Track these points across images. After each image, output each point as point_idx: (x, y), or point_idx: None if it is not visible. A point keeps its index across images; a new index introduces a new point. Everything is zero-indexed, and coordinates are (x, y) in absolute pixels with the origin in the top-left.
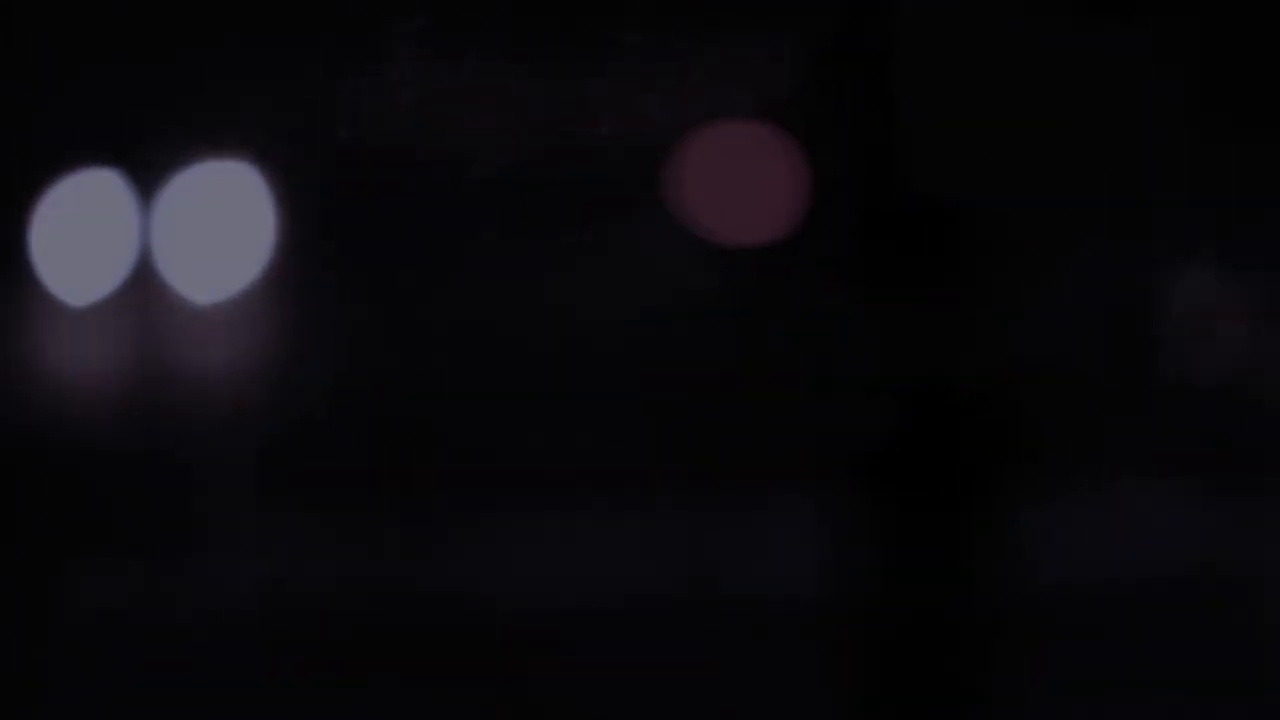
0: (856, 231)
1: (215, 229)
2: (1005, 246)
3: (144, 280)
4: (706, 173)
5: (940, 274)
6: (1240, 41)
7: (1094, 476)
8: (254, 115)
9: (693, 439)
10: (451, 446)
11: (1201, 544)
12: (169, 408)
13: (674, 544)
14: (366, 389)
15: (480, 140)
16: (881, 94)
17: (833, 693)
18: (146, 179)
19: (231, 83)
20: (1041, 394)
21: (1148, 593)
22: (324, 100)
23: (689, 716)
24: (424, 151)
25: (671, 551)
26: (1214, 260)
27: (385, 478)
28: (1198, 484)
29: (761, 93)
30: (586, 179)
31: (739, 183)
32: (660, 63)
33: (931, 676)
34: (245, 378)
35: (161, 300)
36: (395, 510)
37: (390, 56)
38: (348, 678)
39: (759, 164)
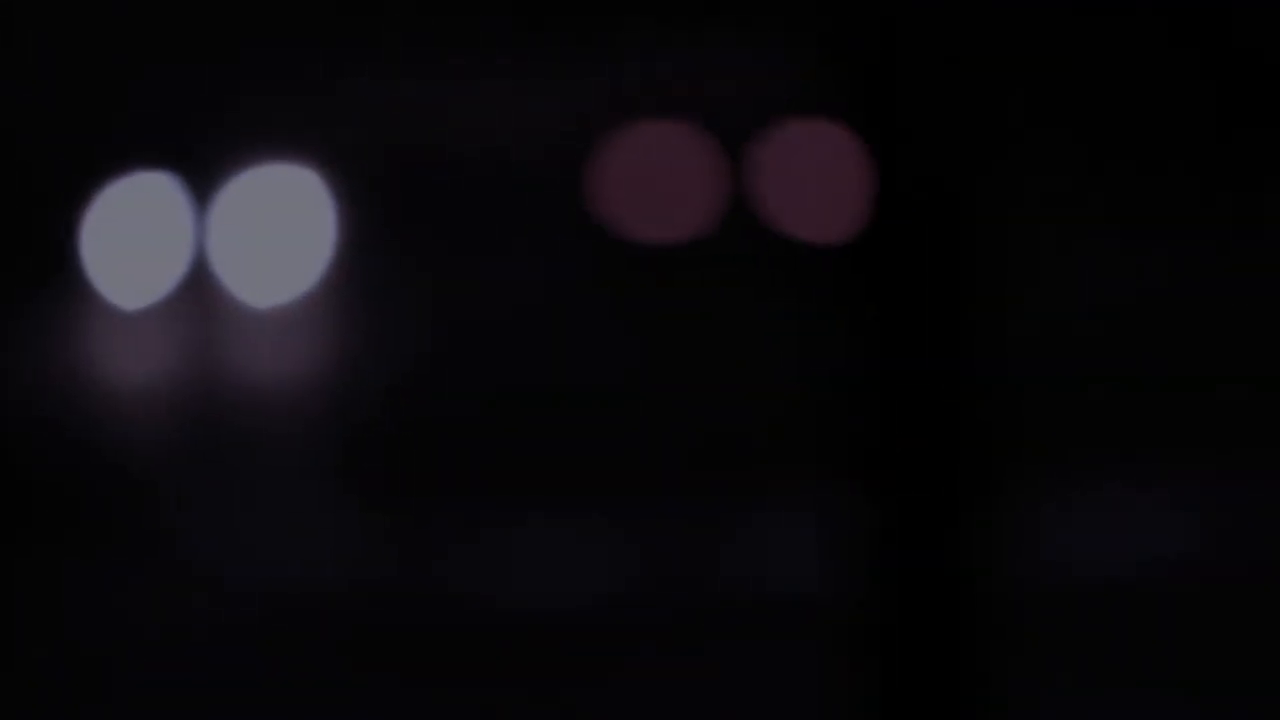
0: (856, 228)
1: (272, 232)
2: (1003, 244)
3: (200, 284)
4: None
5: (939, 272)
6: (1221, 53)
7: (1093, 476)
8: (311, 118)
9: (694, 438)
10: (495, 447)
11: (1201, 541)
12: (223, 413)
13: (685, 542)
14: (423, 390)
15: (516, 140)
16: (879, 93)
17: (832, 692)
18: (202, 182)
19: (287, 84)
20: (1040, 393)
21: (1146, 591)
22: (381, 102)
23: (689, 715)
24: (472, 152)
25: (684, 549)
26: (1207, 255)
27: (434, 476)
28: (1195, 481)
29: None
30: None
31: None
32: (661, 61)
33: (930, 675)
34: (303, 382)
35: (217, 304)
36: (443, 510)
37: (439, 61)
38: (425, 673)
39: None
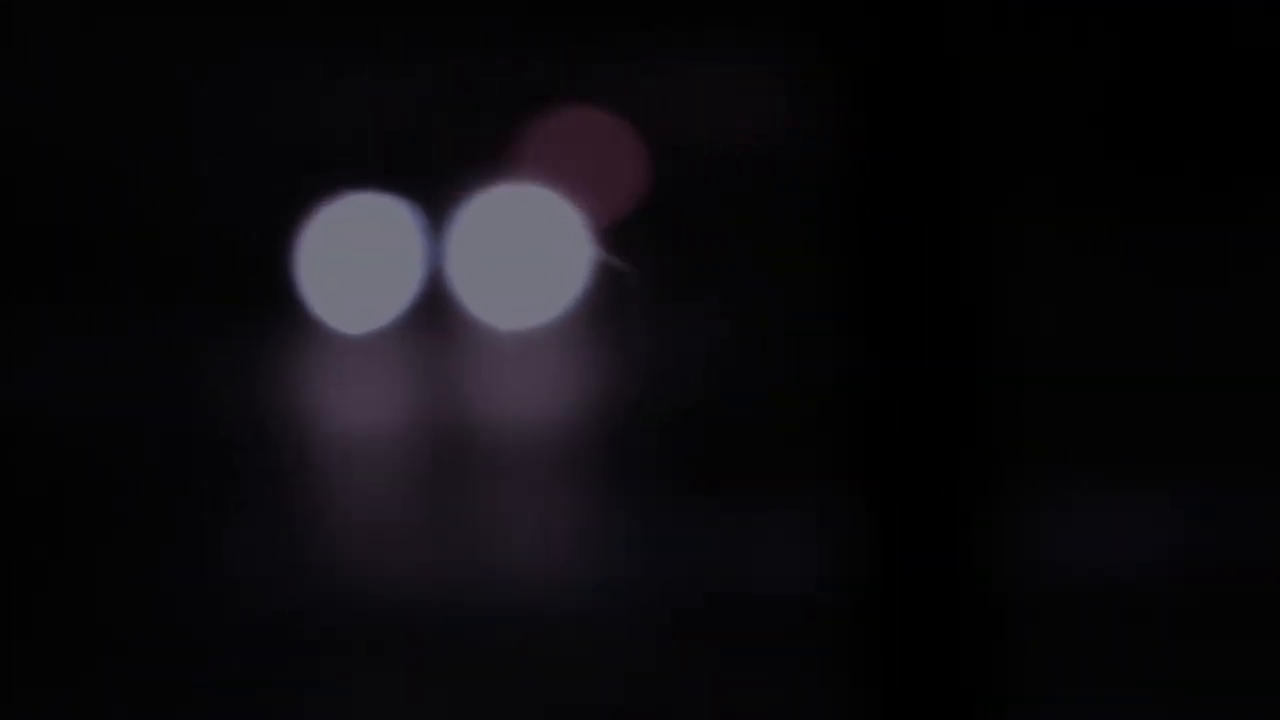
0: (846, 224)
1: (516, 254)
2: (1005, 244)
3: (436, 308)
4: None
5: (939, 271)
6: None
7: (1093, 476)
8: (559, 133)
9: (708, 442)
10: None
11: (1202, 542)
12: (455, 439)
13: (691, 544)
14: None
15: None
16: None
17: (832, 692)
18: (437, 203)
19: (530, 90)
20: (1040, 393)
21: (1146, 591)
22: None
23: (689, 715)
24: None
25: (689, 551)
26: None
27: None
28: (1194, 482)
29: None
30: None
31: None
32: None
33: (930, 675)
34: (551, 410)
35: (455, 329)
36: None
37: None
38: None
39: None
